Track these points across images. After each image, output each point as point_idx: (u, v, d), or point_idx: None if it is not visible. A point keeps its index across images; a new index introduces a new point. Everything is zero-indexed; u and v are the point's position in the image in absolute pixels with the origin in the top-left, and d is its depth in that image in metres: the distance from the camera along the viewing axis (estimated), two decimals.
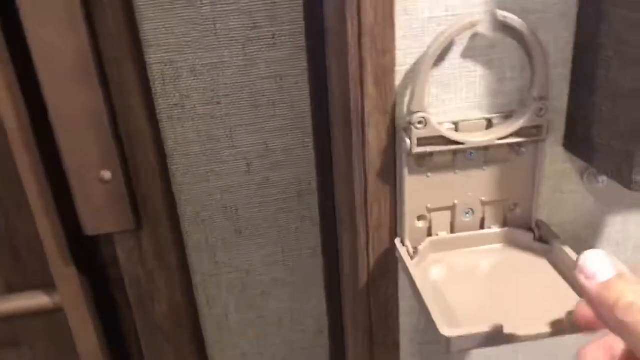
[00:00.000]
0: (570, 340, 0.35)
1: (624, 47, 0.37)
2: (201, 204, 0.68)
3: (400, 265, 0.46)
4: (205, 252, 0.71)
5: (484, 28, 0.34)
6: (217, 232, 0.70)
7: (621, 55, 0.38)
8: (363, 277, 0.47)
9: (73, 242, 0.67)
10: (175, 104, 0.62)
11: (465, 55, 0.41)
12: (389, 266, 0.46)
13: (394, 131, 0.42)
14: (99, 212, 0.62)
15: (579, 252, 0.42)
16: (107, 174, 0.60)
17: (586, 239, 0.49)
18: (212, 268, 0.72)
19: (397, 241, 0.45)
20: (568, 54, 0.42)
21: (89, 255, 0.71)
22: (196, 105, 0.62)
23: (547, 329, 0.37)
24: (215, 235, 0.70)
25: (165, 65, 0.60)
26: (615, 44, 0.38)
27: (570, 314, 0.35)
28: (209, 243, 0.70)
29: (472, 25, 0.34)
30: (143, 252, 0.67)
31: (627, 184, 0.38)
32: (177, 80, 0.61)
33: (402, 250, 0.44)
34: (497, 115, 0.42)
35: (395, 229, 0.45)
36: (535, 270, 0.43)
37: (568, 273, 0.42)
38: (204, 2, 0.58)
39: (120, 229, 0.64)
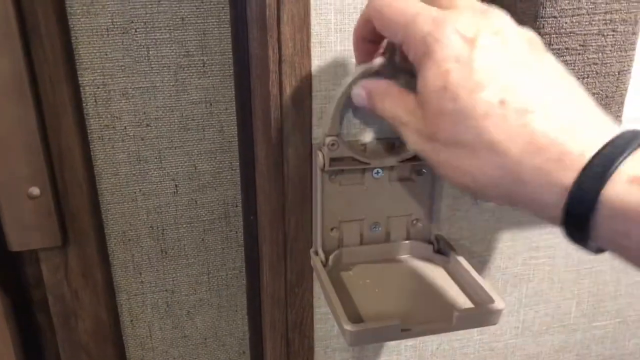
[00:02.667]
0: None
1: None
2: (128, 224, 0.70)
3: (315, 274, 0.50)
4: (130, 271, 0.72)
5: (386, 71, 0.39)
6: (143, 251, 0.72)
7: None
8: (281, 286, 0.50)
9: None
10: (107, 125, 0.65)
11: None
12: (305, 275, 0.50)
13: (311, 149, 0.46)
14: (26, 228, 0.63)
15: (472, 263, 0.47)
16: (35, 190, 0.61)
17: (481, 253, 0.54)
18: (137, 287, 0.73)
19: (312, 251, 0.49)
20: None
21: (12, 275, 0.71)
22: (127, 127, 0.65)
23: (437, 326, 0.42)
24: (141, 255, 0.72)
25: (98, 88, 0.63)
26: None
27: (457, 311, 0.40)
28: (135, 262, 0.72)
29: (373, 70, 0.40)
30: (69, 269, 0.68)
31: None
32: (109, 103, 0.64)
33: (316, 259, 0.48)
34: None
35: (310, 240, 0.49)
36: (434, 277, 0.48)
37: (461, 280, 0.47)
38: (139, 30, 0.62)
39: (47, 245, 0.65)
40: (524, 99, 0.29)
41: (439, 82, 0.30)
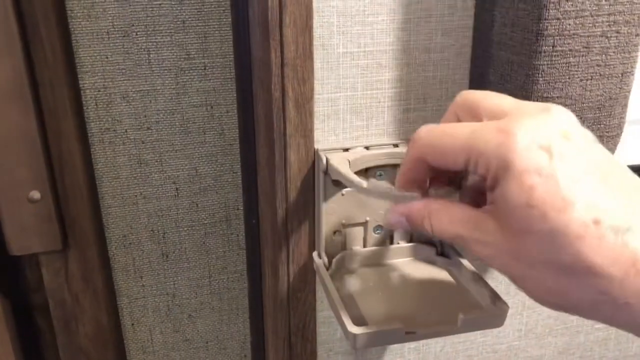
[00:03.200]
0: None
1: (508, 84, 0.44)
2: (129, 227, 0.70)
3: (317, 277, 0.50)
4: (131, 275, 0.72)
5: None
6: (143, 255, 0.72)
7: (506, 92, 0.44)
8: (283, 290, 0.50)
9: None
10: (107, 128, 0.64)
11: (375, 88, 0.46)
12: (308, 279, 0.50)
13: (313, 152, 0.46)
14: (26, 232, 0.63)
15: (475, 265, 0.47)
16: (36, 194, 0.61)
17: None
18: (138, 291, 0.73)
19: (315, 254, 0.49)
20: (464, 88, 0.48)
21: (13, 279, 0.70)
22: (127, 130, 0.65)
23: (441, 328, 0.41)
24: (142, 258, 0.72)
25: (99, 91, 0.63)
26: (501, 82, 0.44)
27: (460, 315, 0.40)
28: (136, 266, 0.72)
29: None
30: (69, 273, 0.67)
31: None
32: (109, 106, 0.64)
33: (319, 263, 0.48)
34: (402, 141, 0.48)
35: (313, 243, 0.49)
36: (438, 280, 0.48)
37: (465, 283, 0.47)
38: (139, 33, 0.61)
39: (47, 249, 0.64)
40: (616, 215, 0.27)
41: (523, 198, 0.28)
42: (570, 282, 0.28)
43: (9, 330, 0.69)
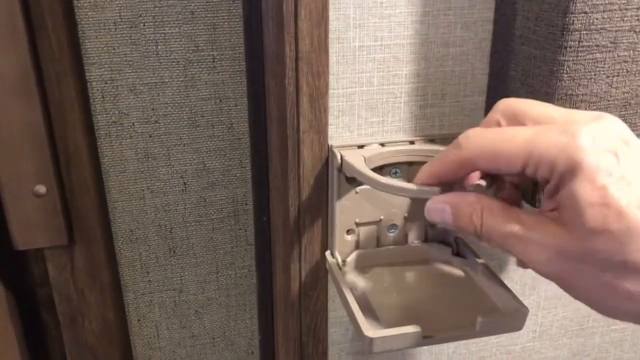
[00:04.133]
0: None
1: (530, 80, 0.42)
2: (135, 222, 0.69)
3: (330, 277, 0.48)
4: (138, 270, 0.71)
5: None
6: (150, 250, 0.71)
7: (527, 87, 0.42)
8: (295, 289, 0.49)
9: (1, 260, 0.66)
10: (114, 122, 0.63)
11: (391, 82, 0.45)
12: (320, 278, 0.49)
13: (327, 149, 0.45)
14: (32, 226, 0.61)
15: (491, 265, 0.46)
16: (41, 189, 0.60)
17: (500, 255, 0.53)
18: (145, 286, 0.72)
19: (327, 253, 0.48)
20: (483, 83, 0.46)
21: (18, 274, 0.70)
22: (135, 124, 0.64)
23: (460, 332, 0.40)
24: (149, 254, 0.71)
25: (106, 83, 0.61)
26: (522, 77, 0.42)
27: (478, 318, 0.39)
28: (142, 261, 0.71)
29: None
30: (75, 268, 0.66)
31: (532, 202, 0.43)
32: (116, 98, 0.62)
33: (332, 262, 0.46)
34: (419, 138, 0.46)
35: (326, 242, 0.48)
36: (454, 281, 0.47)
37: (482, 284, 0.45)
38: (147, 24, 0.60)
39: (53, 244, 0.63)
40: None
41: (596, 197, 0.27)
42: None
43: (14, 325, 0.68)
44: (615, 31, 0.38)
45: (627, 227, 0.27)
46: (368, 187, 0.46)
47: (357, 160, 0.43)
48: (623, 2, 0.38)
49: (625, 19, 0.38)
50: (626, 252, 0.27)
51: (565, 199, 0.28)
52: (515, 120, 0.32)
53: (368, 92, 0.45)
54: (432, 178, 0.34)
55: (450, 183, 0.34)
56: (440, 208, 0.33)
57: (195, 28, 0.61)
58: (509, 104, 0.33)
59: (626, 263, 0.27)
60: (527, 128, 0.30)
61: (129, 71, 0.61)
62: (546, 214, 0.30)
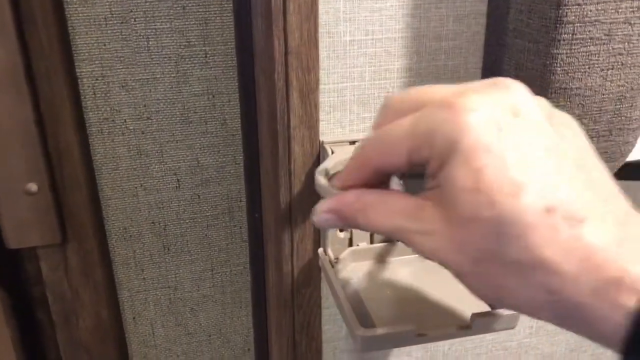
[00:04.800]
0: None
1: (524, 73, 0.41)
2: (129, 219, 0.68)
3: (322, 274, 0.48)
4: (132, 268, 0.71)
5: None
6: (144, 248, 0.70)
7: (521, 81, 0.42)
8: (287, 286, 0.48)
9: None
10: (106, 118, 0.63)
11: (383, 77, 0.44)
12: (313, 275, 0.48)
13: (318, 145, 0.44)
14: (24, 225, 0.61)
15: None
16: (33, 187, 0.59)
17: None
18: (139, 284, 0.72)
19: (320, 251, 0.47)
20: (477, 77, 0.46)
21: (11, 272, 0.69)
22: (127, 120, 0.63)
23: (454, 330, 0.40)
24: (143, 251, 0.70)
25: (97, 80, 0.61)
26: (516, 71, 0.42)
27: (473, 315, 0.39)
28: (137, 259, 0.70)
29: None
30: (68, 267, 0.66)
31: None
32: (108, 95, 0.62)
33: (324, 260, 0.46)
34: None
35: (318, 239, 0.47)
36: (447, 278, 0.46)
37: None
38: (138, 19, 0.59)
39: (46, 242, 0.63)
40: (571, 204, 0.24)
41: (470, 181, 0.25)
42: (518, 278, 0.25)
43: (8, 324, 0.68)
44: (610, 23, 0.38)
45: (498, 216, 0.24)
46: None
47: (328, 160, 0.41)
48: None
49: (620, 10, 0.38)
50: (497, 244, 0.25)
51: (443, 180, 0.26)
52: (416, 109, 0.29)
53: (360, 87, 0.44)
54: (341, 185, 0.32)
55: (363, 186, 0.31)
56: (326, 217, 0.31)
57: (186, 23, 0.61)
58: (403, 95, 0.30)
59: (495, 255, 0.25)
60: (414, 114, 0.27)
61: (120, 67, 0.61)
62: (427, 194, 0.28)
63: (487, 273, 0.26)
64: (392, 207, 0.28)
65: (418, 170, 0.30)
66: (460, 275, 0.28)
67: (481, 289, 0.27)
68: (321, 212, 0.31)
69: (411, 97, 0.29)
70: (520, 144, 0.25)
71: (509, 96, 0.26)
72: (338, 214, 0.31)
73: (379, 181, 0.31)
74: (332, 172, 0.41)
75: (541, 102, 0.28)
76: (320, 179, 0.36)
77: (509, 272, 0.25)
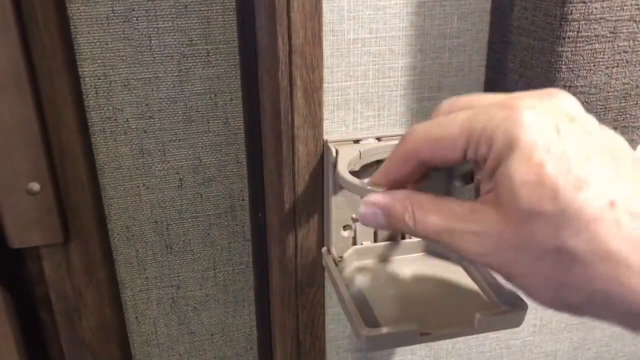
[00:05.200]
0: None
1: (528, 71, 0.41)
2: (131, 219, 0.68)
3: (326, 274, 0.48)
4: (135, 267, 0.71)
5: None
6: (147, 247, 0.70)
7: (525, 79, 0.42)
8: (291, 286, 0.48)
9: None
10: (108, 118, 0.62)
11: (387, 75, 0.44)
12: (316, 274, 0.48)
13: (322, 144, 0.44)
14: (26, 224, 0.61)
15: None
16: (35, 186, 0.59)
17: None
18: (142, 283, 0.72)
19: (324, 250, 0.47)
20: (481, 75, 0.46)
21: (14, 272, 0.69)
22: (129, 119, 0.63)
23: (458, 329, 0.39)
24: (146, 250, 0.70)
25: (99, 79, 0.61)
26: (520, 69, 0.42)
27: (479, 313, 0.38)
28: (139, 258, 0.70)
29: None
30: (71, 266, 0.66)
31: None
32: (110, 94, 0.61)
33: (328, 259, 0.46)
34: None
35: (322, 238, 0.47)
36: (452, 276, 0.46)
37: (480, 279, 0.45)
38: (140, 18, 0.59)
39: (48, 242, 0.63)
40: (631, 199, 0.25)
41: (531, 176, 0.25)
42: (583, 271, 0.25)
43: (10, 323, 0.68)
44: (615, 21, 0.38)
45: (562, 210, 0.25)
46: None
47: (346, 157, 0.42)
48: None
49: (625, 8, 0.37)
50: (561, 237, 0.25)
51: (501, 177, 0.26)
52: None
53: (363, 86, 0.44)
54: (383, 178, 0.32)
55: (402, 181, 0.32)
56: (372, 212, 0.31)
57: (189, 22, 0.60)
58: (455, 100, 0.31)
59: (560, 249, 0.25)
60: (468, 110, 0.28)
61: (123, 66, 0.61)
62: (483, 198, 0.28)
63: (548, 271, 0.26)
64: (444, 208, 0.29)
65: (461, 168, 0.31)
66: (516, 277, 0.27)
67: (540, 290, 0.27)
68: (370, 204, 0.31)
69: (461, 101, 0.30)
70: (578, 145, 0.25)
71: (563, 103, 0.27)
72: (386, 211, 0.31)
73: (416, 178, 0.31)
74: (354, 168, 0.41)
75: (587, 114, 0.28)
76: (352, 178, 0.36)
77: (573, 267, 0.25)
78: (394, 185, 0.32)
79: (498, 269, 0.28)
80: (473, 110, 0.28)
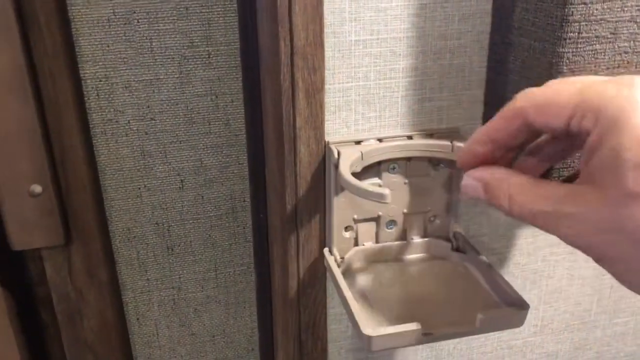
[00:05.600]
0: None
1: (529, 72, 0.41)
2: (133, 220, 0.68)
3: (328, 274, 0.48)
4: (136, 269, 0.71)
5: None
6: (148, 248, 0.70)
7: (526, 80, 0.42)
8: (293, 287, 0.48)
9: None
10: (110, 119, 0.63)
11: (388, 77, 0.44)
12: (318, 275, 0.48)
13: (324, 146, 0.44)
14: (28, 227, 0.61)
15: (492, 260, 0.45)
16: (37, 188, 0.59)
17: (500, 250, 0.52)
18: (143, 285, 0.72)
19: (326, 251, 0.47)
20: (482, 77, 0.46)
21: (15, 273, 0.69)
22: (130, 121, 0.63)
23: (460, 329, 0.40)
24: (147, 252, 0.70)
25: (100, 81, 0.61)
26: (521, 70, 0.42)
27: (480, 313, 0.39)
28: (140, 259, 0.70)
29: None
30: (72, 268, 0.66)
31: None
32: (111, 96, 0.62)
33: (330, 259, 0.46)
34: (417, 133, 0.46)
35: (324, 239, 0.47)
36: (454, 277, 0.46)
37: (482, 279, 0.45)
38: (141, 20, 0.59)
39: (50, 244, 0.63)
40: None
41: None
42: None
43: (13, 325, 0.68)
44: (616, 22, 0.38)
45: None
46: (366, 182, 0.45)
47: (348, 159, 0.42)
48: None
49: (626, 9, 0.38)
50: None
51: (606, 157, 0.26)
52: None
53: (365, 87, 0.44)
54: (484, 134, 0.33)
55: (502, 143, 0.33)
56: (473, 185, 0.32)
57: (189, 24, 0.61)
58: (533, 92, 0.31)
59: None
60: (579, 81, 0.29)
61: (124, 68, 0.61)
62: (581, 178, 0.28)
63: None
64: (543, 190, 0.29)
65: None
66: (609, 260, 0.28)
67: (632, 276, 0.27)
68: (472, 177, 0.33)
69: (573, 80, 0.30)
70: None
71: None
72: (486, 186, 0.32)
73: (514, 144, 0.32)
74: (356, 170, 0.42)
75: None
76: (354, 180, 0.37)
77: None
78: (493, 145, 0.33)
79: (589, 251, 0.28)
80: (587, 83, 0.28)
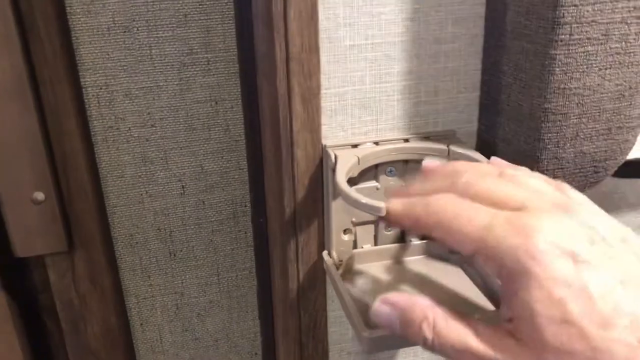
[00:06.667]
0: None
1: (523, 74, 0.42)
2: (135, 226, 0.69)
3: (328, 277, 0.48)
4: (139, 275, 0.71)
5: None
6: (151, 254, 0.70)
7: (520, 82, 0.42)
8: (293, 290, 0.49)
9: (2, 267, 0.66)
10: (110, 127, 0.63)
11: (383, 81, 0.45)
12: (318, 278, 0.49)
13: (321, 149, 0.45)
14: (31, 234, 0.62)
15: None
16: (40, 195, 0.60)
17: None
18: (146, 290, 0.72)
19: (325, 254, 0.47)
20: (476, 79, 0.46)
21: (19, 280, 0.70)
22: (131, 128, 0.64)
23: None
24: (149, 258, 0.71)
25: (101, 89, 0.61)
26: (515, 72, 0.42)
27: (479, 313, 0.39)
28: (143, 265, 0.71)
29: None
30: (76, 274, 0.67)
31: None
32: (112, 103, 0.62)
33: (329, 262, 0.46)
34: (413, 136, 0.46)
35: (322, 242, 0.48)
36: (452, 278, 0.47)
37: (479, 281, 0.45)
38: (140, 28, 0.60)
39: (53, 250, 0.63)
40: None
41: (555, 312, 0.25)
42: None
43: (16, 331, 0.68)
44: (607, 23, 0.38)
45: (592, 348, 0.24)
46: (364, 185, 0.46)
47: (341, 169, 0.42)
48: None
49: (617, 10, 0.38)
50: None
51: (522, 309, 0.26)
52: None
53: (360, 91, 0.44)
54: (397, 213, 0.32)
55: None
56: (387, 313, 0.30)
57: (188, 31, 0.61)
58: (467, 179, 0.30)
59: None
60: (488, 212, 0.27)
61: (124, 76, 0.61)
62: (504, 327, 0.27)
63: None
64: (469, 328, 0.29)
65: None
66: None
67: None
68: (386, 302, 0.31)
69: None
70: (598, 277, 0.25)
71: (583, 221, 0.26)
72: (402, 315, 0.30)
73: None
74: (353, 175, 0.42)
75: (612, 222, 0.28)
76: (350, 190, 0.37)
77: None
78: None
79: None
80: (491, 219, 0.27)
